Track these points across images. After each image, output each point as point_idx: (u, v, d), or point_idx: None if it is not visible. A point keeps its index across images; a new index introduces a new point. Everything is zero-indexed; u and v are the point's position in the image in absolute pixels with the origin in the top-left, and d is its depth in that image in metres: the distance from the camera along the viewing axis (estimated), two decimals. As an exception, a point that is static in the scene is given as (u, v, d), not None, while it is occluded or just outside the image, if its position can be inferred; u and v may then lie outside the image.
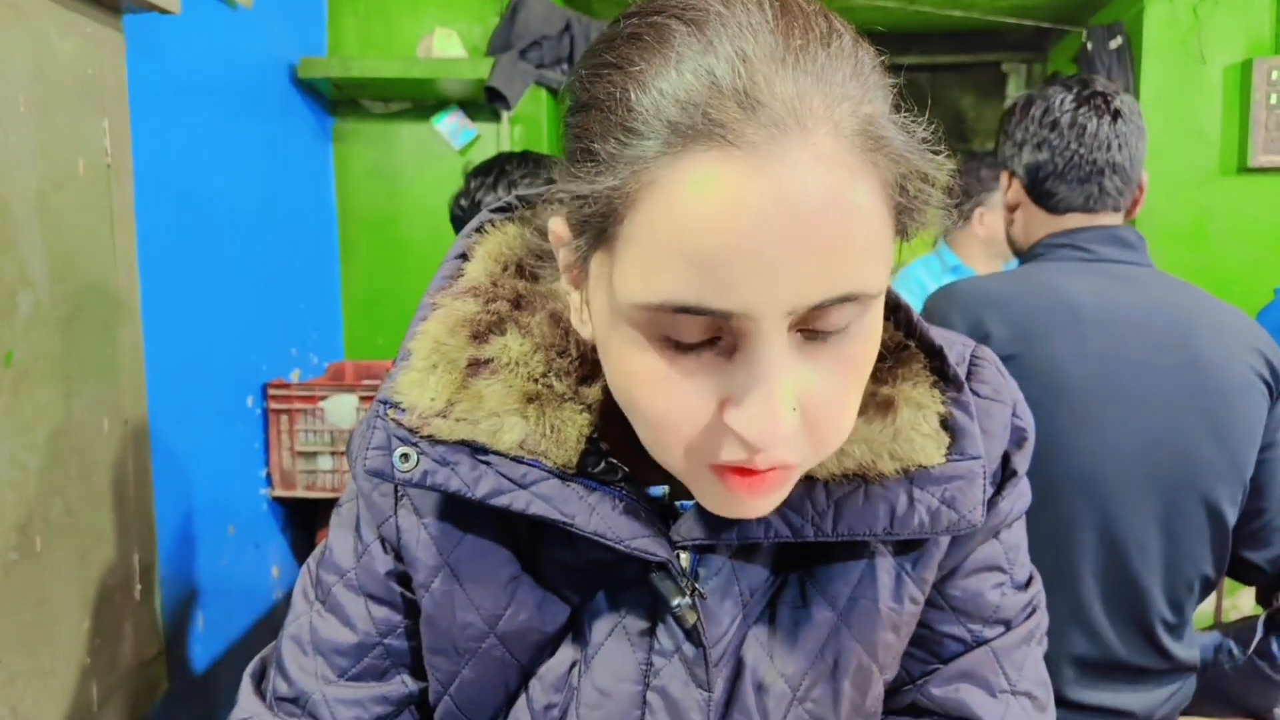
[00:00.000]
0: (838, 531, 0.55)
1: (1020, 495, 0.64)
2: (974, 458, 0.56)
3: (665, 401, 0.46)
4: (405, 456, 0.55)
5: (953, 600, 0.63)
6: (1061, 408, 1.14)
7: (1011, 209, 1.37)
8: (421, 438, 0.55)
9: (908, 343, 0.60)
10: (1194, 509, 1.17)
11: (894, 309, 0.61)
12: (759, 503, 0.49)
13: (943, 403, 0.57)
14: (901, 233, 0.48)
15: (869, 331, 0.47)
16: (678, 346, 0.45)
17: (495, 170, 1.56)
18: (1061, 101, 1.27)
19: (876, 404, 0.56)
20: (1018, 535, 0.66)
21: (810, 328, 0.44)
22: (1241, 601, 2.79)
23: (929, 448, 0.56)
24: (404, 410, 0.55)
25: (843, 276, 0.42)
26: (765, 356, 0.43)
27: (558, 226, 0.52)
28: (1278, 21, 2.74)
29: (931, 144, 0.47)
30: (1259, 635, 1.50)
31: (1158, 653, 1.20)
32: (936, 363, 0.59)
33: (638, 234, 0.43)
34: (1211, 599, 2.67)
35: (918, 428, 0.56)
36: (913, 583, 0.60)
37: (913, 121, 0.46)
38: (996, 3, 3.00)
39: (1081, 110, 1.26)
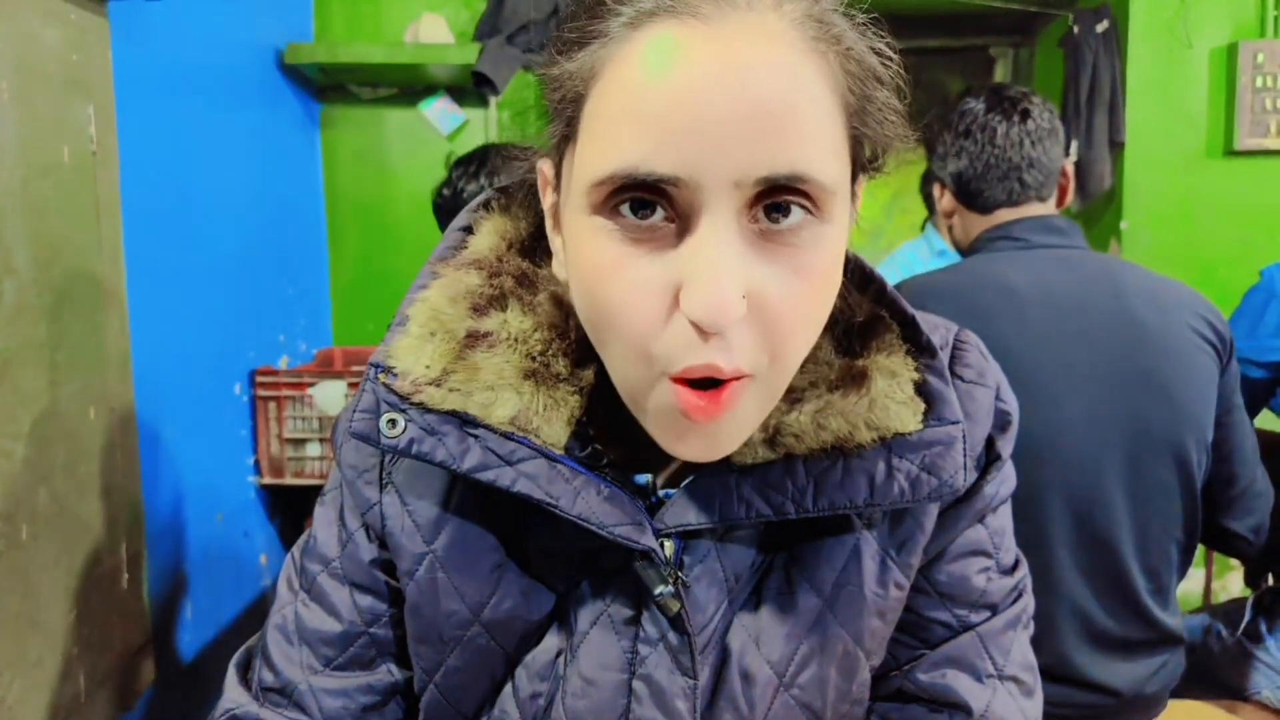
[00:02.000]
0: (819, 506, 0.54)
1: (1005, 479, 0.64)
2: (952, 422, 0.56)
3: (622, 290, 0.46)
4: (393, 422, 0.54)
5: (939, 585, 0.63)
6: (1012, 387, 1.17)
7: (948, 215, 1.47)
8: (412, 405, 0.54)
9: (880, 313, 0.60)
10: (1153, 468, 1.20)
11: (867, 281, 0.61)
12: (717, 429, 0.48)
13: (916, 369, 0.57)
14: (857, 141, 0.48)
15: (827, 246, 0.47)
16: (631, 230, 0.46)
17: (478, 160, 1.58)
18: (973, 110, 1.38)
19: (851, 377, 0.56)
20: (1003, 519, 0.66)
21: (764, 223, 0.45)
22: (1231, 584, 2.82)
23: (904, 415, 0.55)
24: (396, 375, 0.55)
25: (789, 152, 0.43)
26: (712, 232, 0.44)
27: (544, 166, 0.53)
28: (1262, 5, 2.75)
29: (883, 41, 0.49)
30: (1247, 617, 1.52)
31: (1142, 620, 1.22)
32: (909, 331, 0.59)
33: (596, 110, 0.46)
34: (1200, 580, 2.70)
35: (892, 395, 0.56)
36: (898, 568, 0.60)
37: (866, 27, 0.48)
38: (985, -14, 3.00)
39: (991, 115, 1.36)
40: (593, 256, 0.47)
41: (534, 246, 0.62)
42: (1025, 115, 1.35)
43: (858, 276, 0.61)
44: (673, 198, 0.44)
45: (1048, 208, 1.38)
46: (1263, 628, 1.49)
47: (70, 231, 1.32)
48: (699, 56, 0.42)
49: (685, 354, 0.45)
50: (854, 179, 0.51)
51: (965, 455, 0.56)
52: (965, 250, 1.44)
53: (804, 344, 0.49)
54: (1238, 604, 1.57)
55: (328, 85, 2.67)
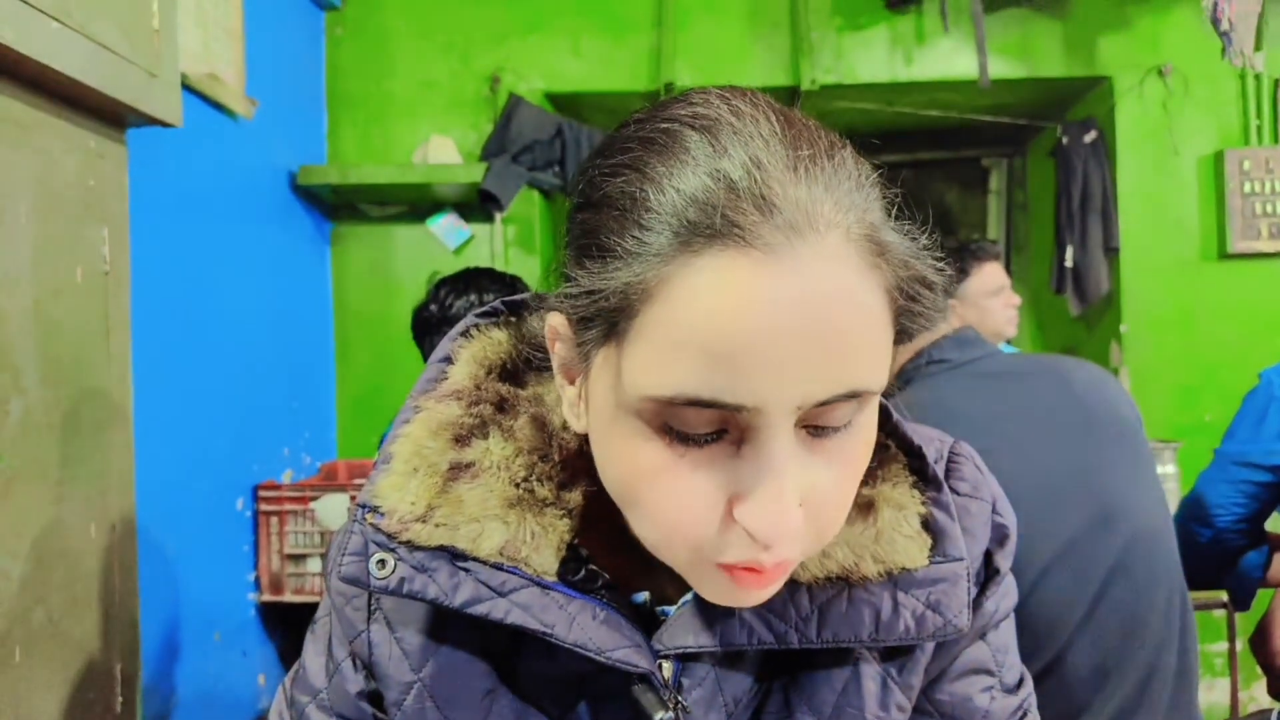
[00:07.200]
0: (822, 638, 0.54)
1: (1006, 594, 0.63)
2: (957, 559, 0.56)
3: (672, 496, 0.46)
4: (382, 563, 0.53)
5: (941, 706, 0.61)
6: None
7: None
8: (400, 543, 0.53)
9: (887, 442, 0.60)
10: (1156, 554, 1.20)
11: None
12: (761, 593, 0.49)
13: (923, 503, 0.57)
14: (901, 333, 0.49)
15: (867, 426, 0.48)
16: (685, 439, 0.45)
17: (465, 279, 1.64)
18: None
19: (857, 505, 0.56)
20: (1005, 636, 0.64)
21: (814, 424, 0.45)
22: (1258, 693, 2.73)
23: (911, 550, 0.55)
24: (383, 515, 0.54)
25: (849, 374, 0.44)
26: (774, 451, 0.44)
27: (556, 322, 0.52)
28: (1245, 115, 2.84)
29: (931, 250, 0.49)
30: (1275, 731, 1.47)
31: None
32: (916, 462, 0.59)
33: (652, 328, 0.44)
34: (1225, 691, 2.61)
35: (899, 529, 0.55)
36: (899, 689, 0.58)
37: (913, 228, 0.48)
38: (974, 102, 3.10)
39: None
40: (641, 462, 0.47)
41: (515, 368, 0.62)
42: None
43: None
44: (734, 418, 0.44)
45: (950, 323, 1.42)
46: (1292, 741, 1.43)
47: (80, 350, 1.35)
48: (769, 294, 0.42)
49: (737, 554, 0.46)
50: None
51: (969, 592, 0.55)
52: (887, 385, 1.45)
53: (841, 522, 0.50)
54: (1263, 716, 1.52)
55: (339, 204, 2.75)
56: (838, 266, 0.43)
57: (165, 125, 1.43)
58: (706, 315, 0.42)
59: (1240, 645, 2.32)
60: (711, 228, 0.42)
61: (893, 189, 0.49)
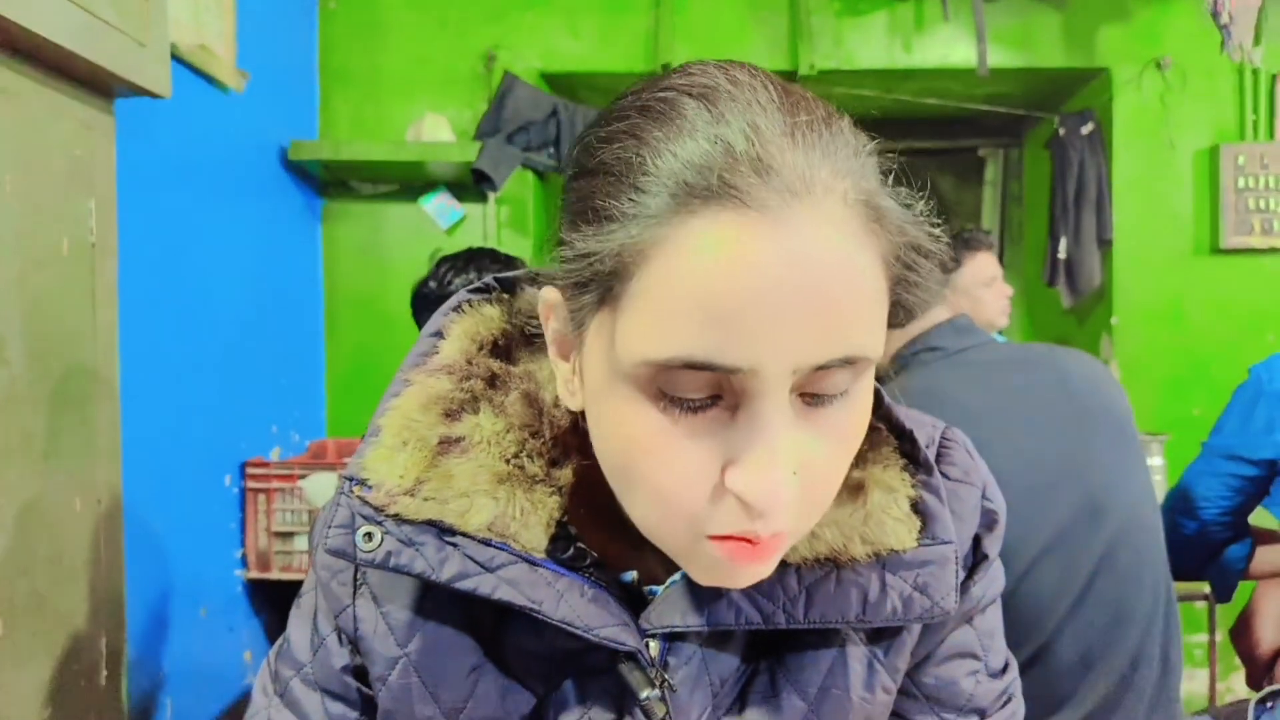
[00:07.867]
0: (809, 618, 0.54)
1: (993, 579, 0.63)
2: (945, 542, 0.56)
3: (667, 464, 0.45)
4: (369, 536, 0.53)
5: (925, 688, 0.62)
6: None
7: None
8: (387, 516, 0.53)
9: (879, 425, 0.60)
10: (1142, 548, 1.21)
11: None
12: (755, 569, 0.48)
13: (913, 486, 0.57)
14: (897, 305, 0.49)
15: (862, 398, 0.48)
16: (680, 406, 0.45)
17: (465, 257, 1.65)
18: None
19: (847, 487, 0.56)
20: (992, 621, 0.64)
21: (810, 391, 0.45)
22: (1236, 684, 2.76)
23: (900, 532, 0.55)
24: (371, 487, 0.54)
25: (844, 338, 0.43)
26: (768, 417, 0.44)
27: (550, 296, 0.52)
28: (1241, 110, 2.84)
29: (928, 219, 0.48)
30: (1251, 718, 1.48)
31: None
32: (906, 445, 0.59)
33: (647, 291, 0.44)
34: (1204, 681, 2.64)
35: (888, 511, 0.55)
36: (885, 671, 0.59)
37: (910, 197, 0.48)
38: (972, 91, 3.09)
39: None
40: (636, 430, 0.46)
41: (507, 345, 0.61)
42: None
43: None
44: (728, 383, 0.44)
45: (946, 311, 1.41)
46: (1267, 730, 1.45)
47: (66, 322, 1.33)
48: (765, 255, 0.41)
49: (730, 524, 0.45)
50: None
51: (957, 575, 0.56)
52: (883, 367, 1.44)
53: (832, 497, 0.49)
54: (1240, 706, 1.54)
55: (330, 180, 2.72)
56: (835, 230, 0.42)
57: (154, 96, 1.41)
58: (702, 275, 0.42)
59: (1220, 636, 2.34)
60: (708, 188, 0.42)
61: (889, 155, 0.48)
